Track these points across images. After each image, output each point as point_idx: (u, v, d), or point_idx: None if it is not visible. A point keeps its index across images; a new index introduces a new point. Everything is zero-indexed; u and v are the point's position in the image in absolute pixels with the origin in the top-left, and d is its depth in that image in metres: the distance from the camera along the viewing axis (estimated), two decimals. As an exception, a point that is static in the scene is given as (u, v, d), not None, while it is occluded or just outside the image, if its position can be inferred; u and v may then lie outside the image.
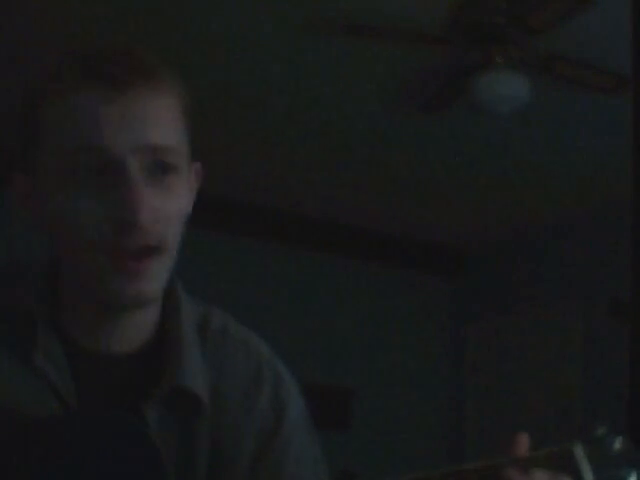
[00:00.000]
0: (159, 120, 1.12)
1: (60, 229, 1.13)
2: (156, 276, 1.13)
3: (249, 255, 6.43)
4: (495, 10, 3.99)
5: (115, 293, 1.12)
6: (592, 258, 6.06)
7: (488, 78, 4.14)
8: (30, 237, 1.26)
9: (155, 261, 1.12)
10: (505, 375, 6.63)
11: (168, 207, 1.13)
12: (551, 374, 6.27)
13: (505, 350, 6.68)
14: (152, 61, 1.16)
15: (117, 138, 1.09)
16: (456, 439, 6.88)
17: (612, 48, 3.99)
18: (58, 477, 1.07)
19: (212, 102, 4.89)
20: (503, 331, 6.72)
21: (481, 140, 5.26)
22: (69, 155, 1.10)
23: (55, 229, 1.14)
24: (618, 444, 0.96)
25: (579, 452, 0.97)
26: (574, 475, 1.01)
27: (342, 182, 5.99)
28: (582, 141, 5.12)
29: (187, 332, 1.22)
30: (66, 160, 1.10)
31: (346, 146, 5.45)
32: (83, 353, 1.17)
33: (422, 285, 7.06)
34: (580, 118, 4.85)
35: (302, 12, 4.09)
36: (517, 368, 6.54)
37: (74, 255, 1.13)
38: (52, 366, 1.14)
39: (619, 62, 3.93)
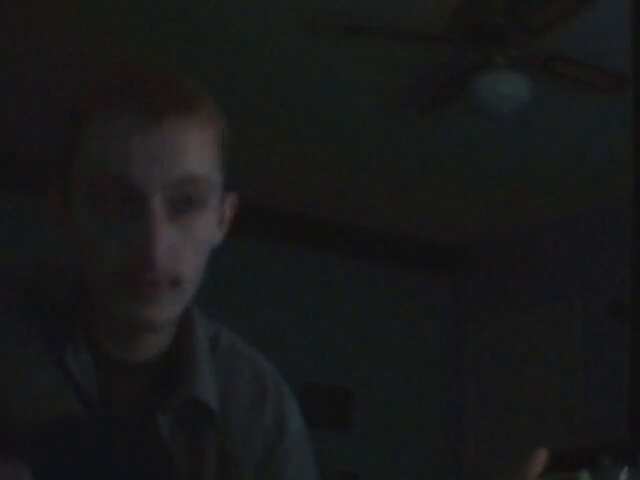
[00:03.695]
0: (190, 152, 1.11)
1: (79, 249, 1.15)
2: (170, 305, 1.15)
3: (249, 255, 6.43)
4: (495, 10, 3.99)
5: (129, 317, 1.14)
6: (592, 258, 6.06)
7: (488, 78, 4.15)
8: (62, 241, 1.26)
9: (170, 292, 1.13)
10: (505, 375, 6.63)
11: (188, 243, 1.13)
12: (551, 374, 6.27)
13: (505, 350, 6.68)
14: (191, 89, 1.15)
15: (144, 171, 1.09)
16: (456, 439, 6.88)
17: (612, 48, 3.99)
18: (69, 474, 1.08)
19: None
20: (503, 331, 6.72)
21: (481, 140, 5.26)
22: (95, 180, 1.11)
23: (77, 247, 1.16)
24: (624, 475, 0.96)
25: None
26: None
27: (342, 182, 5.99)
28: (582, 141, 5.12)
29: (201, 347, 1.25)
30: (91, 184, 1.11)
31: (346, 146, 5.45)
32: (105, 358, 1.20)
33: (422, 285, 7.06)
34: (580, 118, 4.85)
35: (302, 12, 4.09)
36: (517, 368, 6.53)
37: (90, 276, 1.16)
38: (79, 367, 1.17)
39: (619, 62, 3.93)
